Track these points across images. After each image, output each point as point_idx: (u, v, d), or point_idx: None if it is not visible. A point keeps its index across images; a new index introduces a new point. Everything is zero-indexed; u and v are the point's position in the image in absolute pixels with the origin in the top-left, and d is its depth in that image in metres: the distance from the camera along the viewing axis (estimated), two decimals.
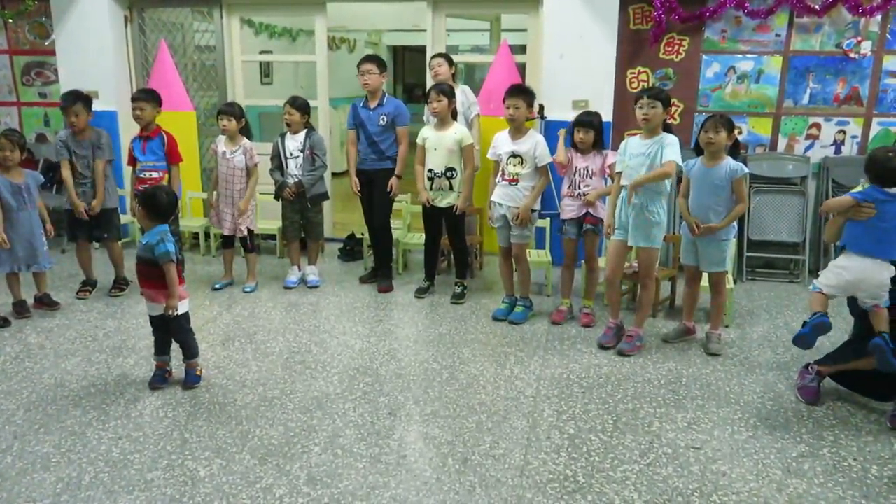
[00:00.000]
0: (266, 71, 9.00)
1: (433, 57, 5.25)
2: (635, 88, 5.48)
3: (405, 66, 13.98)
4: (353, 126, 5.03)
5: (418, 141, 4.74)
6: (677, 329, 4.23)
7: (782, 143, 5.46)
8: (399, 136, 4.89)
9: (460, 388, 3.53)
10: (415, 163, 4.80)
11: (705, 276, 4.19)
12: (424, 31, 6.00)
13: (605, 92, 5.41)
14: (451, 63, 5.16)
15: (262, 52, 8.34)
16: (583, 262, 4.49)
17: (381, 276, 5.16)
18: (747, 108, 5.42)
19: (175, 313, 3.37)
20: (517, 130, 4.31)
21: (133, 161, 4.86)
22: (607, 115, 5.41)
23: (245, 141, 4.89)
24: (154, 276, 3.35)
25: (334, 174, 6.82)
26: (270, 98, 8.08)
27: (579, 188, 4.28)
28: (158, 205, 3.38)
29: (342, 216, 6.68)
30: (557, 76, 5.45)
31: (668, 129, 3.92)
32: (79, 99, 4.64)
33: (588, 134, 4.21)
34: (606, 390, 3.54)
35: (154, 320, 3.46)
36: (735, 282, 4.82)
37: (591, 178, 4.25)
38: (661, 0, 5.21)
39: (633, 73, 5.51)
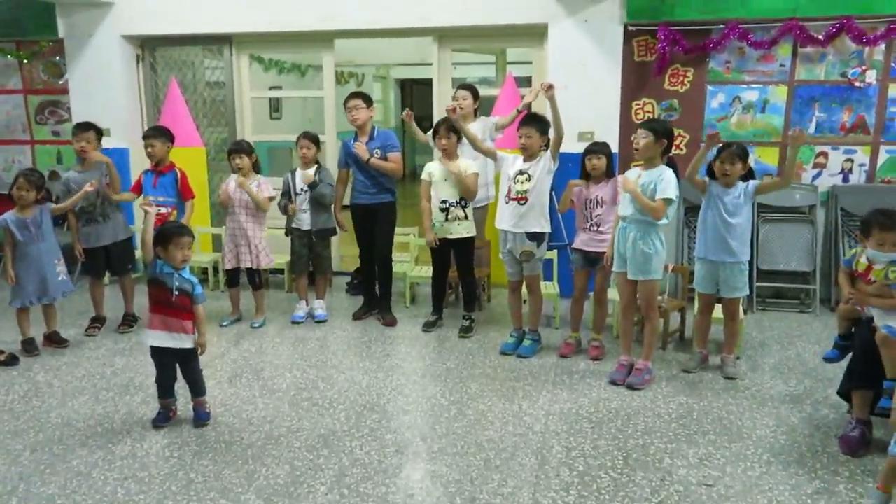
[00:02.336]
0: (275, 106, 9.12)
1: (458, 88, 5.26)
2: (640, 119, 5.50)
3: (413, 99, 14.12)
4: (345, 165, 5.08)
5: (423, 177, 4.76)
6: (696, 358, 4.19)
7: None
8: (391, 160, 4.93)
9: (468, 424, 3.50)
10: (421, 200, 4.81)
11: (718, 306, 4.17)
12: (430, 64, 6.07)
13: (611, 123, 5.43)
14: (476, 96, 5.18)
15: (271, 88, 8.46)
16: (592, 294, 4.47)
17: (383, 309, 5.15)
18: (753, 138, 5.42)
19: (203, 351, 3.47)
20: (530, 158, 4.32)
21: (138, 189, 4.91)
22: (613, 147, 5.41)
23: (259, 176, 4.94)
24: (188, 308, 3.40)
25: (344, 206, 6.83)
26: (279, 133, 8.19)
27: (591, 219, 4.27)
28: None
29: (350, 250, 6.67)
30: (563, 108, 5.43)
31: (671, 161, 3.92)
32: (91, 128, 4.74)
33: (600, 160, 4.21)
34: (616, 425, 3.49)
35: (166, 354, 3.44)
36: (745, 312, 4.78)
37: (601, 206, 4.24)
38: (665, 32, 5.25)
39: (639, 105, 5.53)
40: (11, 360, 4.27)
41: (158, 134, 4.92)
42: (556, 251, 5.11)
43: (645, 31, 5.38)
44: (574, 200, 4.32)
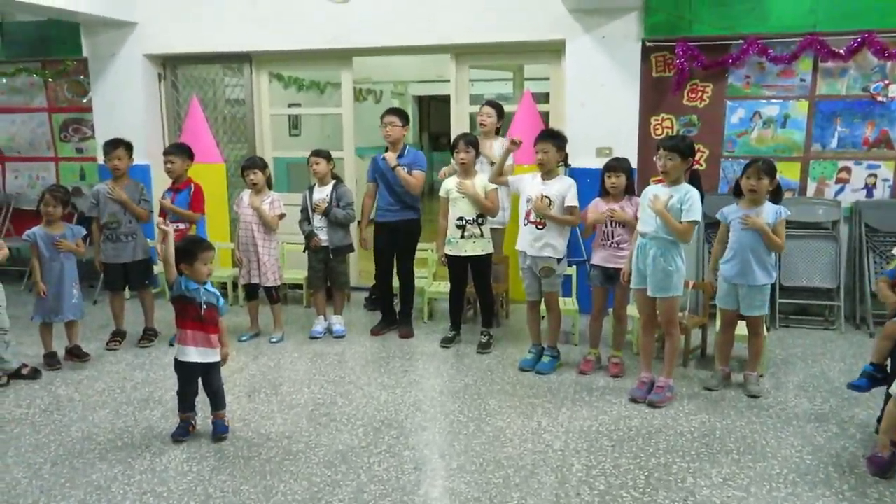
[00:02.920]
0: (294, 123, 9.21)
1: (483, 104, 5.27)
2: (659, 135, 5.48)
3: (430, 115, 14.20)
4: (374, 179, 5.09)
5: (441, 193, 4.76)
6: (718, 376, 4.13)
7: (811, 188, 5.39)
8: (415, 176, 4.94)
9: (487, 441, 3.47)
10: (438, 217, 4.81)
11: (740, 323, 4.12)
12: (449, 81, 6.10)
13: (629, 139, 5.42)
14: (500, 114, 5.17)
15: (290, 105, 8.54)
16: (611, 311, 4.43)
17: (402, 322, 5.14)
18: (774, 153, 5.37)
19: (226, 361, 3.52)
20: (547, 174, 4.31)
21: (163, 213, 4.96)
22: (632, 162, 5.38)
23: (272, 193, 4.98)
24: (215, 320, 3.44)
25: (359, 223, 6.86)
26: (298, 150, 8.27)
27: (612, 237, 4.25)
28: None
29: (368, 265, 6.68)
30: (580, 124, 5.48)
31: (695, 174, 3.89)
32: (121, 144, 4.81)
33: (619, 178, 4.19)
34: (637, 444, 3.44)
35: (193, 368, 3.45)
36: (768, 329, 4.71)
37: (622, 226, 4.22)
38: (683, 48, 5.24)
39: (657, 120, 5.51)
40: (34, 374, 4.31)
41: (179, 151, 4.99)
42: (574, 267, 5.08)
43: (663, 48, 5.38)
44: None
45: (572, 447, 3.41)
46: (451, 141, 4.90)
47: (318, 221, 4.99)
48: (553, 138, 4.29)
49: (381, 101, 11.65)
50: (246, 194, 4.99)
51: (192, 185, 4.96)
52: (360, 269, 6.62)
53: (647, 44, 5.35)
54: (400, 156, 4.95)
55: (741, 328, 4.19)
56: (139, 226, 4.93)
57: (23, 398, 4.03)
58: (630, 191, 4.27)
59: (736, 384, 4.14)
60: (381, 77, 10.81)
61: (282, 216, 4.99)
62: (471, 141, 4.63)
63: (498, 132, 5.36)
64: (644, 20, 5.30)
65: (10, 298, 4.31)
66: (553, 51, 5.73)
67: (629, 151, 5.34)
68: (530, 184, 4.33)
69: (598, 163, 5.36)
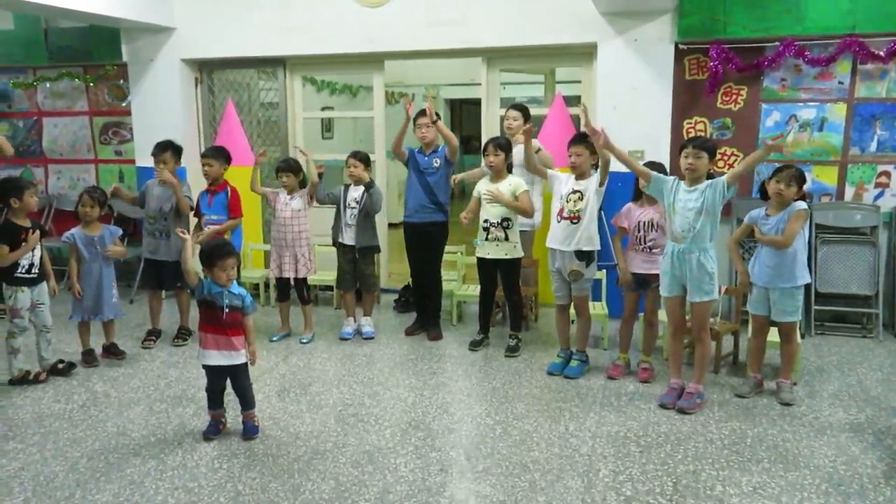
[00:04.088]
0: (327, 126, 9.31)
1: (509, 108, 5.29)
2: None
3: (462, 118, 14.22)
4: (406, 164, 5.15)
5: (474, 193, 4.77)
6: (749, 383, 4.07)
7: (849, 192, 5.27)
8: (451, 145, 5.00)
9: (513, 445, 3.47)
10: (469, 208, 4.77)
11: (773, 329, 4.06)
12: (479, 84, 6.11)
13: (662, 143, 5.37)
14: (527, 117, 5.19)
15: (323, 108, 8.64)
16: (642, 315, 4.39)
17: (430, 324, 5.17)
18: (811, 157, 5.28)
19: (253, 361, 3.56)
20: (580, 176, 4.30)
21: (198, 213, 5.06)
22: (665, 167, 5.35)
23: (302, 191, 5.06)
24: (239, 323, 3.48)
25: (390, 225, 6.92)
26: (331, 152, 8.36)
27: (645, 242, 4.22)
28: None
29: (398, 267, 6.74)
30: (612, 127, 5.33)
31: (710, 177, 3.85)
32: (169, 148, 4.92)
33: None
34: (666, 450, 3.40)
35: (218, 370, 3.52)
36: (802, 336, 4.62)
37: (655, 230, 4.19)
38: (718, 51, 5.17)
39: (690, 123, 5.45)
40: (69, 368, 4.42)
41: (217, 154, 5.08)
42: (604, 271, 5.05)
43: (696, 50, 5.31)
44: (626, 224, 4.28)
45: (599, 452, 3.39)
46: (482, 145, 4.90)
47: (349, 219, 5.04)
48: (586, 142, 4.27)
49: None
50: (282, 192, 5.06)
51: (229, 188, 5.05)
52: (390, 271, 6.67)
53: (681, 46, 5.30)
54: (434, 152, 5.01)
55: (774, 335, 4.12)
56: (174, 225, 5.02)
57: (61, 394, 4.14)
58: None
59: (769, 392, 4.07)
60: (413, 80, 10.87)
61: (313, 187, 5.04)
62: (500, 144, 4.64)
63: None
64: (677, 22, 5.24)
65: (51, 297, 4.43)
66: (585, 54, 5.70)
67: (661, 155, 5.30)
68: (565, 182, 4.33)
69: None
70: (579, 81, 6.11)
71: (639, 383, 4.24)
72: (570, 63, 6.09)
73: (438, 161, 5.01)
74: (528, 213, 4.68)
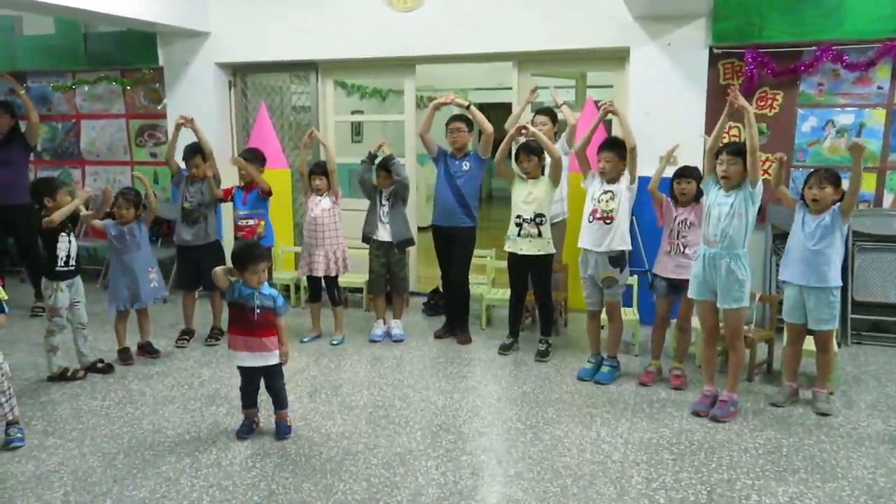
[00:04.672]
0: (357, 129, 9.37)
1: (536, 113, 5.28)
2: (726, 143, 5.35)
3: (489, 121, 14.23)
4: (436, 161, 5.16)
5: (512, 187, 4.76)
6: (785, 391, 4.01)
7: (888, 199, 5.17)
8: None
9: (544, 450, 3.45)
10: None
11: (809, 338, 4.00)
12: (509, 88, 6.12)
13: (695, 147, 5.30)
14: (554, 120, 5.20)
15: (353, 112, 8.70)
16: (674, 322, 4.35)
17: (459, 328, 5.18)
18: (848, 163, 5.17)
19: (286, 360, 3.58)
20: (610, 183, 4.30)
21: (228, 195, 5.16)
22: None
23: (331, 190, 5.12)
24: (270, 324, 3.50)
25: (419, 228, 6.93)
26: (360, 156, 8.41)
27: (678, 238, 4.20)
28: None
29: (427, 270, 6.76)
30: (644, 132, 5.36)
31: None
32: (197, 152, 5.01)
33: (690, 184, 4.15)
34: (699, 458, 3.37)
35: (251, 371, 3.56)
36: (839, 345, 4.54)
37: (689, 228, 4.16)
38: (753, 55, 5.12)
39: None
40: (108, 369, 4.50)
41: (252, 157, 5.19)
42: (636, 277, 5.01)
43: (731, 54, 5.26)
44: (664, 214, 4.26)
45: (632, 459, 3.36)
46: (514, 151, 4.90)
47: (383, 216, 5.09)
48: (615, 148, 4.26)
49: (440, 108, 11.73)
50: (314, 196, 5.13)
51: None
52: (420, 274, 6.69)
53: (715, 51, 5.25)
54: (465, 156, 5.01)
55: (809, 343, 4.06)
56: (214, 212, 5.12)
57: (98, 391, 4.22)
58: (698, 198, 4.20)
59: (804, 401, 4.01)
60: (442, 85, 10.90)
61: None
62: (532, 149, 4.63)
63: (556, 137, 5.33)
64: (712, 26, 5.20)
65: (86, 296, 4.51)
66: (617, 58, 5.67)
67: (695, 160, 5.21)
68: (599, 185, 4.33)
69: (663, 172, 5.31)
70: (611, 86, 6.08)
71: (671, 390, 4.20)
72: (602, 67, 6.06)
73: (468, 165, 5.02)
74: (553, 154, 4.56)
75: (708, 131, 5.33)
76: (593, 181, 4.37)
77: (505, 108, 6.12)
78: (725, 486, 3.10)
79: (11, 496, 3.03)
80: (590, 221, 4.31)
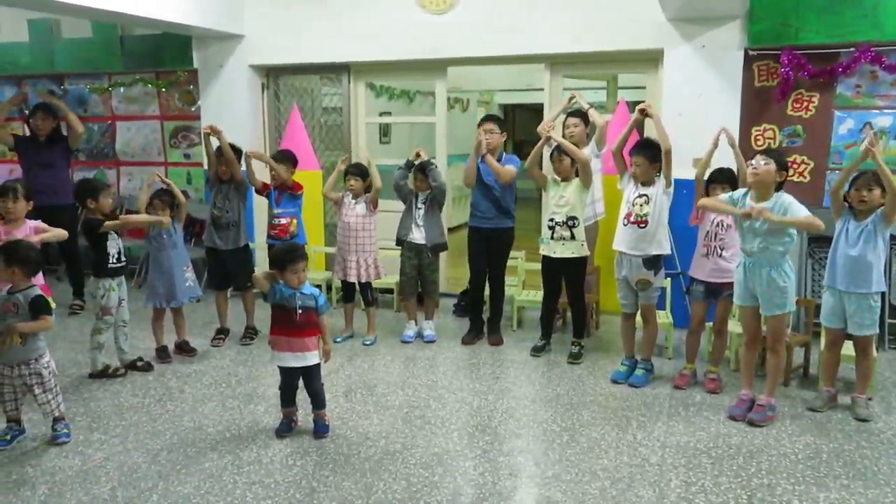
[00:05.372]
0: (385, 131, 9.43)
1: (568, 115, 5.28)
2: (761, 146, 5.32)
3: (516, 123, 14.24)
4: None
5: (547, 188, 4.79)
6: (822, 396, 3.98)
7: None
8: (507, 168, 4.97)
9: (581, 452, 3.46)
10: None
11: (846, 342, 3.96)
12: (536, 90, 6.13)
13: (729, 150, 5.26)
14: (586, 122, 5.20)
15: (381, 114, 8.75)
16: (710, 325, 4.34)
17: (492, 328, 5.19)
18: (887, 166, 5.10)
19: (327, 358, 3.63)
20: (643, 186, 4.30)
21: (265, 188, 5.25)
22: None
23: (367, 195, 5.14)
24: (313, 324, 3.55)
25: (448, 230, 6.96)
26: (388, 157, 8.47)
27: (714, 240, 4.18)
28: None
29: (456, 272, 6.78)
30: (677, 134, 5.29)
31: (778, 188, 3.79)
32: (220, 156, 5.08)
33: (725, 190, 4.11)
34: (738, 462, 3.35)
35: (292, 371, 3.60)
36: (878, 350, 4.48)
37: (726, 231, 4.15)
38: (789, 57, 5.07)
39: (759, 131, 5.34)
40: (147, 367, 4.59)
41: (283, 159, 5.23)
42: (669, 279, 4.99)
43: (767, 56, 5.21)
44: (699, 219, 4.25)
45: (669, 462, 3.36)
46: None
47: (419, 219, 5.12)
48: (646, 150, 4.25)
49: (467, 109, 11.78)
50: (347, 196, 5.16)
51: (293, 182, 5.23)
52: (449, 275, 6.71)
53: (750, 52, 5.21)
54: (497, 160, 5.01)
55: (847, 348, 4.02)
56: (242, 217, 5.18)
57: (139, 388, 4.30)
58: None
59: (842, 406, 3.97)
60: (469, 86, 10.94)
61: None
62: (563, 151, 4.61)
63: (588, 138, 5.33)
64: (747, 28, 5.16)
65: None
66: (650, 60, 5.65)
67: (729, 162, 5.20)
68: (634, 188, 4.33)
69: (695, 174, 5.28)
70: (642, 87, 6.06)
71: (706, 394, 4.18)
72: (635, 69, 6.04)
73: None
74: (581, 159, 4.54)
75: (744, 132, 5.31)
76: (629, 184, 4.36)
77: (533, 110, 6.13)
78: (766, 491, 3.09)
79: (61, 490, 3.10)
80: (624, 224, 4.31)
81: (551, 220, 4.67)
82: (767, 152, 3.85)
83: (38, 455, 3.43)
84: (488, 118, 5.10)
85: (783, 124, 5.29)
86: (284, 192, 5.20)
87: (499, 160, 5.02)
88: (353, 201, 5.12)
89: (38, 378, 3.47)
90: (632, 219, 4.27)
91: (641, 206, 4.25)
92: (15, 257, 3.44)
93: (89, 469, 3.29)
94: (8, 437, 3.50)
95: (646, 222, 4.21)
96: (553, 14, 5.60)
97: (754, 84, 5.30)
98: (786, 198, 3.71)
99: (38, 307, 3.42)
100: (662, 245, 4.27)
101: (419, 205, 5.14)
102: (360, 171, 5.14)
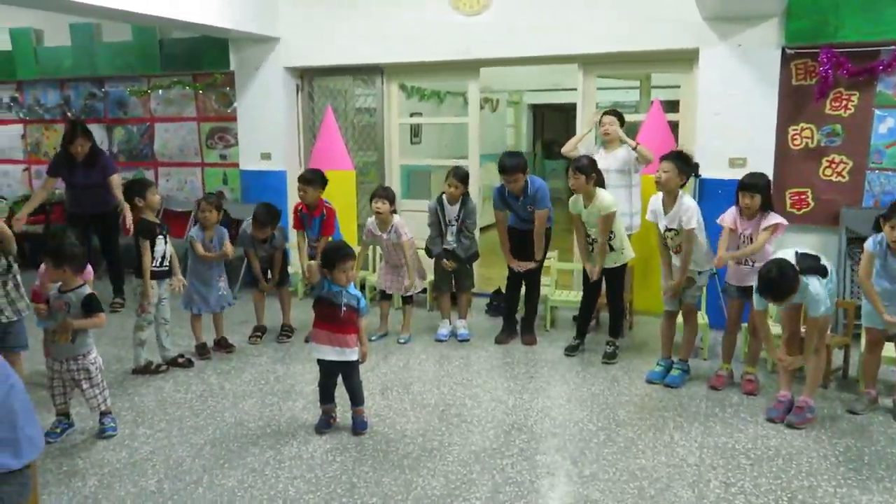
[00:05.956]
0: (415, 131, 9.48)
1: (604, 114, 5.26)
2: (798, 146, 5.26)
3: (545, 123, 14.22)
4: (501, 208, 5.09)
5: (571, 210, 4.74)
6: (863, 399, 3.93)
7: None
8: (537, 217, 4.93)
9: (618, 451, 3.47)
10: (575, 234, 4.85)
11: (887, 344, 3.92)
12: (565, 90, 6.12)
13: (765, 150, 5.24)
14: (622, 121, 5.19)
15: (412, 114, 8.81)
16: (746, 325, 4.31)
17: (526, 328, 5.20)
18: None
19: (364, 359, 3.70)
20: (668, 195, 4.26)
21: (299, 225, 5.21)
22: (767, 173, 5.21)
23: (395, 219, 5.08)
24: (353, 322, 3.62)
25: (480, 229, 6.98)
26: (418, 157, 8.54)
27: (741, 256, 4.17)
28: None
29: (489, 271, 6.80)
30: (713, 134, 5.36)
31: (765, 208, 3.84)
32: (266, 224, 5.03)
33: (754, 199, 4.04)
34: (777, 464, 3.34)
35: (331, 366, 3.67)
36: None
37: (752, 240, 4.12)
38: (828, 55, 5.01)
39: (796, 130, 5.28)
40: (188, 363, 4.69)
41: (312, 180, 5.08)
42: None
43: (805, 54, 5.16)
44: (733, 227, 4.22)
45: (708, 463, 3.35)
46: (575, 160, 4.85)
47: (450, 238, 5.15)
48: (678, 160, 4.21)
49: (496, 109, 11.79)
50: (373, 224, 5.15)
51: (325, 210, 5.13)
52: (481, 274, 6.72)
53: (788, 51, 5.15)
54: (524, 194, 4.92)
55: (888, 349, 3.97)
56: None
57: (180, 384, 4.40)
58: (767, 206, 4.10)
59: (884, 409, 3.92)
60: (499, 86, 10.95)
61: (408, 239, 5.12)
62: (580, 167, 4.51)
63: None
64: (785, 26, 5.11)
65: (175, 293, 4.71)
66: (685, 59, 5.62)
67: (765, 162, 5.18)
68: (659, 214, 4.32)
69: (731, 174, 5.26)
70: (675, 86, 6.03)
71: (742, 395, 4.16)
72: (669, 68, 6.01)
73: (531, 209, 4.94)
74: (604, 236, 4.58)
75: (781, 131, 5.26)
76: (655, 206, 4.35)
77: (562, 110, 6.12)
78: (807, 493, 3.07)
79: (110, 482, 3.20)
80: (663, 243, 4.35)
81: (588, 236, 4.70)
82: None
83: (86, 448, 3.54)
84: (511, 167, 4.85)
85: (821, 123, 5.22)
86: (314, 218, 5.12)
87: (525, 193, 4.91)
88: (386, 235, 5.08)
89: (85, 373, 3.57)
90: (668, 244, 4.32)
91: (672, 238, 4.28)
92: (63, 257, 3.54)
93: (136, 462, 3.38)
94: (58, 431, 3.61)
95: (681, 249, 4.25)
96: (587, 14, 5.59)
97: (792, 83, 5.24)
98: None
99: (91, 305, 3.53)
100: (700, 263, 4.28)
101: (451, 221, 5.15)
102: (388, 195, 5.07)
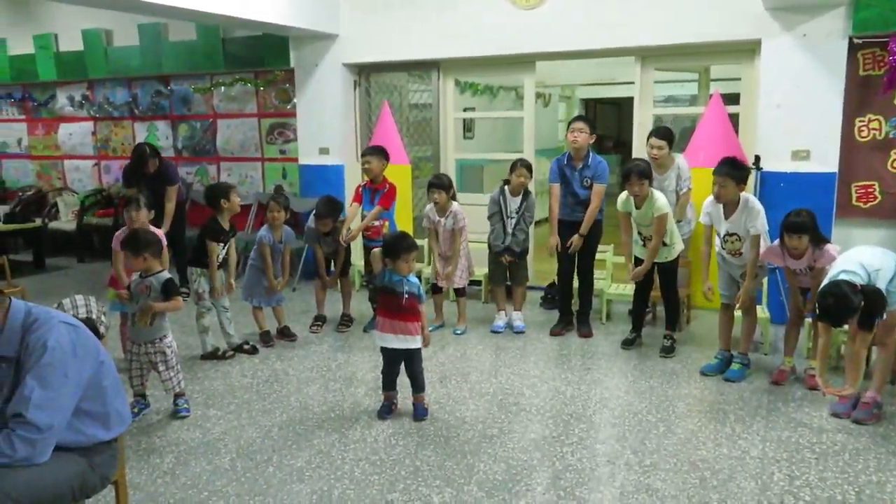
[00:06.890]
0: (468, 126, 9.54)
1: (652, 135, 5.15)
2: (865, 138, 5.14)
3: (597, 118, 14.11)
4: (557, 180, 5.12)
5: (620, 208, 4.72)
6: None
7: None
8: (594, 193, 4.96)
9: (679, 443, 3.47)
10: (621, 232, 4.83)
11: None
12: (618, 83, 6.09)
13: (830, 142, 5.13)
14: (671, 143, 5.11)
15: (465, 109, 8.87)
16: (809, 320, 4.24)
17: (581, 321, 5.22)
18: None
19: (427, 343, 3.79)
20: (730, 209, 4.20)
21: (359, 200, 5.35)
22: (832, 166, 5.13)
23: (453, 206, 5.20)
24: (415, 310, 3.71)
25: (535, 223, 7.00)
26: (471, 152, 8.60)
27: (801, 284, 4.15)
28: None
29: (542, 265, 6.82)
30: (775, 126, 5.28)
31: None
32: (328, 216, 5.17)
33: (801, 240, 3.90)
34: (843, 458, 3.29)
35: (395, 354, 3.77)
36: None
37: (807, 274, 4.07)
38: None
39: (863, 122, 5.16)
40: (253, 350, 4.86)
41: (376, 152, 5.34)
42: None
43: (873, 44, 5.03)
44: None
45: (771, 456, 3.33)
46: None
47: (510, 228, 5.19)
48: (734, 171, 4.12)
49: (549, 104, 11.75)
50: (432, 211, 5.26)
51: (388, 185, 5.31)
52: (535, 268, 6.75)
53: (855, 40, 5.03)
54: (584, 165, 4.99)
55: None
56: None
57: (247, 370, 4.56)
58: (818, 241, 3.95)
59: None
60: (551, 81, 10.91)
61: (462, 227, 5.22)
62: (642, 172, 4.50)
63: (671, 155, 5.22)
64: (852, 15, 4.99)
65: (227, 293, 4.84)
66: (746, 50, 5.54)
67: (829, 154, 5.09)
68: (718, 217, 4.27)
69: (794, 166, 5.18)
70: (737, 78, 5.94)
71: (807, 390, 4.10)
72: (729, 60, 5.92)
73: (588, 181, 4.98)
74: (659, 236, 4.57)
75: (847, 123, 5.14)
76: (712, 212, 4.30)
77: (616, 105, 6.10)
78: (875, 488, 3.03)
79: (186, 459, 3.36)
80: (722, 246, 4.32)
81: (639, 233, 4.71)
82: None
83: (162, 427, 3.72)
84: (579, 118, 5.09)
85: (890, 115, 5.09)
86: (377, 191, 5.28)
87: (585, 164, 4.98)
88: (445, 221, 5.19)
89: (161, 356, 3.75)
90: (726, 247, 4.28)
91: (733, 243, 4.23)
92: (142, 244, 3.73)
93: (209, 441, 3.54)
94: (136, 410, 3.80)
95: (741, 253, 4.21)
96: (646, 6, 5.55)
97: (858, 73, 5.12)
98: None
99: (170, 289, 3.71)
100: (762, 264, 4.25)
101: (511, 214, 5.20)
102: (443, 184, 5.17)
